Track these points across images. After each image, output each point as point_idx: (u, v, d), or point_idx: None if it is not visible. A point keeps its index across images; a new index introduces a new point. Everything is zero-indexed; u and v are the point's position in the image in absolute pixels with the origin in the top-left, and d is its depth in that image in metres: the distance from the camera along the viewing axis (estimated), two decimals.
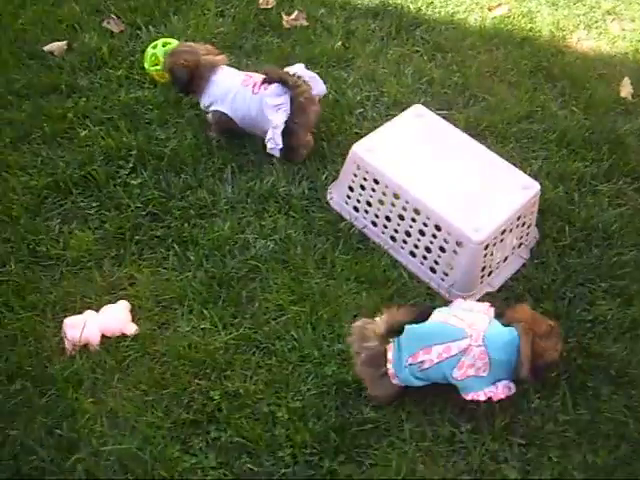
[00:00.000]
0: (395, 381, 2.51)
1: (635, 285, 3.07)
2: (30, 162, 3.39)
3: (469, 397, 2.54)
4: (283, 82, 3.12)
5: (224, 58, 3.40)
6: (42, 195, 3.26)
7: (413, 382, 2.52)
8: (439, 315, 2.54)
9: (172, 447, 2.50)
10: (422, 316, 2.38)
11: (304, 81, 3.16)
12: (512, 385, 2.57)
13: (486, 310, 2.62)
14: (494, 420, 2.60)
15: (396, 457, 2.50)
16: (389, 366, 2.49)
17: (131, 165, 3.33)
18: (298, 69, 3.22)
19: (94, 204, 3.22)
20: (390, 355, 2.48)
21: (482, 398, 2.53)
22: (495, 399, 2.54)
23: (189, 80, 3.29)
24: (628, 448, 2.60)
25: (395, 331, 2.38)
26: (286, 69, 3.21)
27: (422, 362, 2.48)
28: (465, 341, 2.46)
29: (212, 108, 3.32)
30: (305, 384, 2.66)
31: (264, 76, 3.18)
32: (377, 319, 2.43)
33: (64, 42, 3.93)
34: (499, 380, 2.54)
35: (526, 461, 2.54)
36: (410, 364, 2.48)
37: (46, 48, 3.92)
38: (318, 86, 3.28)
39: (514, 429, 2.61)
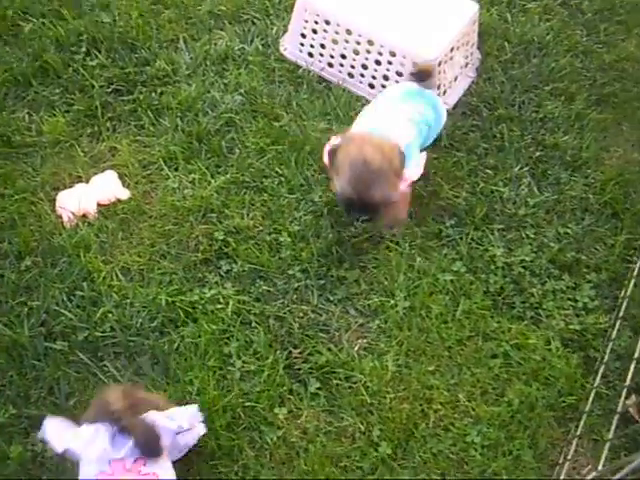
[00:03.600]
0: None
1: (574, 85, 3.37)
2: None
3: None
4: None
5: None
6: (2, 91, 3.27)
7: None
8: None
9: (189, 285, 2.67)
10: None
11: None
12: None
13: None
14: (473, 213, 2.86)
15: (394, 256, 2.74)
16: None
17: (84, 49, 3.37)
18: None
19: (57, 90, 3.26)
20: None
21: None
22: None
23: None
24: (591, 218, 2.93)
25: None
26: None
27: None
28: None
29: None
30: (298, 211, 2.87)
31: None
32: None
33: None
34: None
35: (507, 242, 2.83)
36: None
37: None
38: None
39: (492, 218, 2.89)
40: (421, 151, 2.75)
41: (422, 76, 2.84)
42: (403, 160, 2.56)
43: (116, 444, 1.92)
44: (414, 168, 2.66)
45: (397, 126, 2.65)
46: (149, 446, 1.93)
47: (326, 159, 2.65)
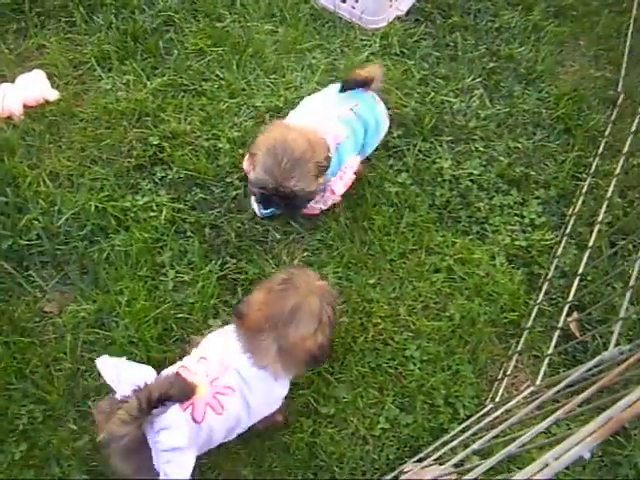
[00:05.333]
0: None
1: None
2: None
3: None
4: None
5: None
6: None
7: None
8: None
9: (121, 192, 2.53)
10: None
11: None
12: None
13: None
14: (422, 124, 2.75)
15: None
16: None
17: None
18: None
19: None
20: None
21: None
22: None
23: None
24: (543, 133, 2.84)
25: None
26: None
27: None
28: None
29: None
30: (239, 116, 2.73)
31: None
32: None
33: None
34: None
35: (456, 154, 2.73)
36: None
37: None
38: None
39: (441, 129, 2.78)
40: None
41: (363, 84, 2.49)
42: (327, 157, 2.28)
43: None
44: (340, 182, 2.42)
45: (326, 124, 2.36)
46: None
47: (246, 166, 2.37)
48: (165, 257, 2.42)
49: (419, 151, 2.71)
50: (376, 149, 2.67)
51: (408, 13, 3.09)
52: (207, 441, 1.84)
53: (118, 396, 1.77)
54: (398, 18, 3.05)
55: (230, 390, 1.83)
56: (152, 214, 2.49)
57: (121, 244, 2.42)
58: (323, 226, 2.52)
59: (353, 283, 2.43)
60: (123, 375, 1.82)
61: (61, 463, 2.14)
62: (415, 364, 2.32)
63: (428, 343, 2.35)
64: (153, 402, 1.69)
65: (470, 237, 2.56)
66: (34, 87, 2.72)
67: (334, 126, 2.36)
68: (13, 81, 2.75)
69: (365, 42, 2.96)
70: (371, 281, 2.44)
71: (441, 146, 2.73)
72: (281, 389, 1.94)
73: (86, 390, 2.21)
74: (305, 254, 2.48)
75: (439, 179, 2.65)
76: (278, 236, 2.51)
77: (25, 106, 2.70)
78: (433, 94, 2.84)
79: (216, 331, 2.00)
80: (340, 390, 2.26)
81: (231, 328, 1.93)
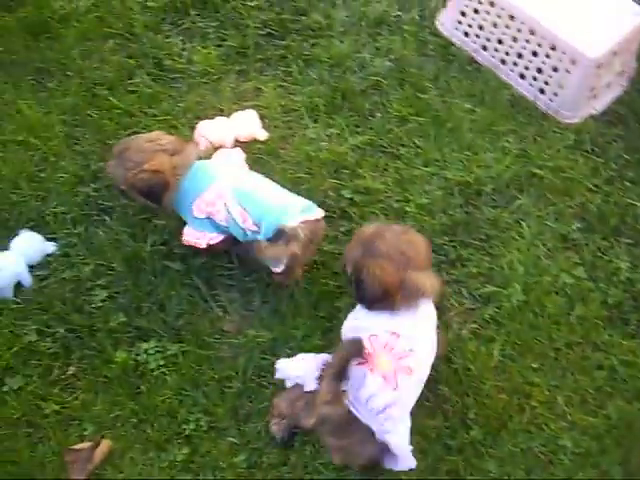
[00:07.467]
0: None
1: None
2: None
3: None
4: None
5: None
6: (160, 15, 3.37)
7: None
8: None
9: None
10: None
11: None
12: None
13: None
14: (603, 222, 2.81)
15: (520, 251, 2.72)
16: None
17: None
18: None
19: (213, 24, 3.33)
20: None
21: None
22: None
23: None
24: None
25: None
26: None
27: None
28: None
29: None
30: (430, 184, 2.86)
31: None
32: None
33: None
34: None
35: (634, 258, 2.77)
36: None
37: None
38: None
39: (621, 231, 2.82)
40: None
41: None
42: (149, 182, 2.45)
43: None
44: (189, 229, 2.55)
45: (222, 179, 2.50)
46: None
47: None
48: (342, 303, 2.56)
49: (597, 248, 2.76)
50: (556, 238, 2.75)
51: (603, 113, 3.16)
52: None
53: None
54: (592, 117, 3.13)
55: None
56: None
57: (306, 284, 2.58)
58: (495, 302, 2.60)
59: (516, 363, 2.49)
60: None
61: (216, 474, 2.29)
62: (566, 454, 2.34)
63: (582, 437, 2.37)
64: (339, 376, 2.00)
65: (637, 341, 2.58)
66: (247, 125, 2.97)
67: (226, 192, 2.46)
68: (229, 116, 2.99)
69: (558, 134, 3.05)
70: (534, 365, 2.50)
71: (620, 247, 2.77)
72: None
73: (249, 412, 2.36)
74: (474, 325, 2.56)
75: (614, 278, 2.69)
76: (449, 305, 2.61)
77: (236, 140, 2.94)
78: (618, 195, 2.89)
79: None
80: (489, 464, 2.31)
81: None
